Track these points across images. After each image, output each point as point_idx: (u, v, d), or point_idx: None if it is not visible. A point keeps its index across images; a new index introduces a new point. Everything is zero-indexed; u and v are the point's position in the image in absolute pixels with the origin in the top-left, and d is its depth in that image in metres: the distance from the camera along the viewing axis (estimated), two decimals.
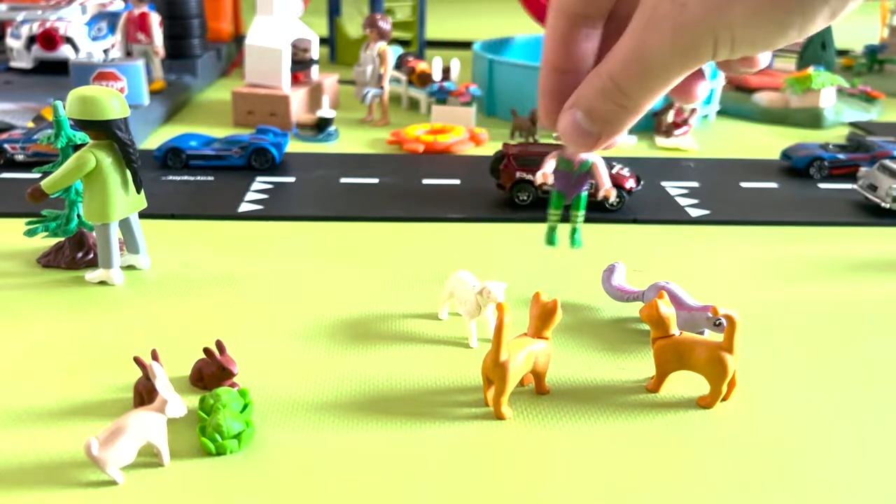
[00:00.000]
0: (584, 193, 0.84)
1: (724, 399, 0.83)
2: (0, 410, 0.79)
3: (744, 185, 1.59)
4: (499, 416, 0.79)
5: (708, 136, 2.01)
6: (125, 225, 1.09)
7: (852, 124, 2.13)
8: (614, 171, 1.38)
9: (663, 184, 1.57)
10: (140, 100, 1.86)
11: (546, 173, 0.85)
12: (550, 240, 0.84)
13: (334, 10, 2.89)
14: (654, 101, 0.31)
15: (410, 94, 2.21)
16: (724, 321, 0.84)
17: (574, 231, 0.85)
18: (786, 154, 1.70)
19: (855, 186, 1.50)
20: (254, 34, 1.96)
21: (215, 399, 0.76)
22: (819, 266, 1.20)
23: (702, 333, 0.90)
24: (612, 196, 1.00)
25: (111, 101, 1.01)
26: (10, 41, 2.25)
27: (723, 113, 2.21)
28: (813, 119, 2.12)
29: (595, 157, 0.83)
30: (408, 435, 0.76)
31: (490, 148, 1.79)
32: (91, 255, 1.12)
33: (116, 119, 1.02)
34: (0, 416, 0.78)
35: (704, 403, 0.82)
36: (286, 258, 1.18)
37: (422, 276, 1.12)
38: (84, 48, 2.18)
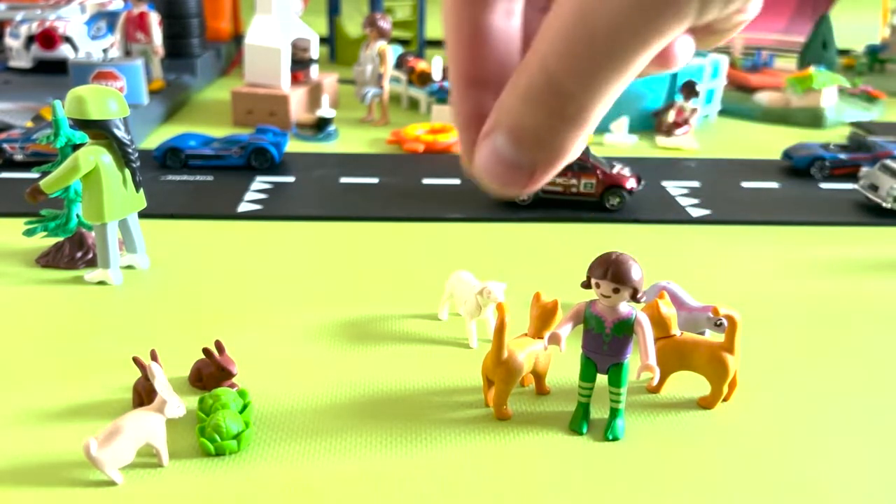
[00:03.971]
0: (626, 363, 0.73)
1: (724, 399, 0.82)
2: None
3: (745, 184, 1.59)
4: (500, 417, 0.78)
5: (709, 135, 2.00)
6: (124, 225, 1.09)
7: (853, 124, 2.13)
8: (615, 170, 1.38)
9: (664, 184, 1.56)
10: (139, 99, 1.86)
11: (559, 336, 0.70)
12: (578, 425, 0.74)
13: (334, 10, 2.88)
14: (610, 101, 0.21)
15: (410, 94, 2.20)
16: (724, 321, 0.83)
17: (613, 416, 0.74)
18: (787, 154, 1.70)
19: (856, 186, 1.49)
20: (253, 33, 1.96)
21: (214, 399, 0.76)
22: (820, 266, 1.20)
23: (703, 334, 0.89)
24: (655, 379, 0.80)
25: (110, 100, 1.01)
26: (9, 40, 2.24)
27: (723, 112, 2.21)
28: (814, 119, 2.12)
29: (639, 314, 0.72)
30: (407, 436, 0.76)
31: None
32: (91, 255, 1.12)
33: (115, 118, 1.01)
34: None
35: (705, 404, 0.82)
36: (286, 258, 1.18)
37: (422, 276, 1.12)
38: (83, 47, 2.18)
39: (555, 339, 0.71)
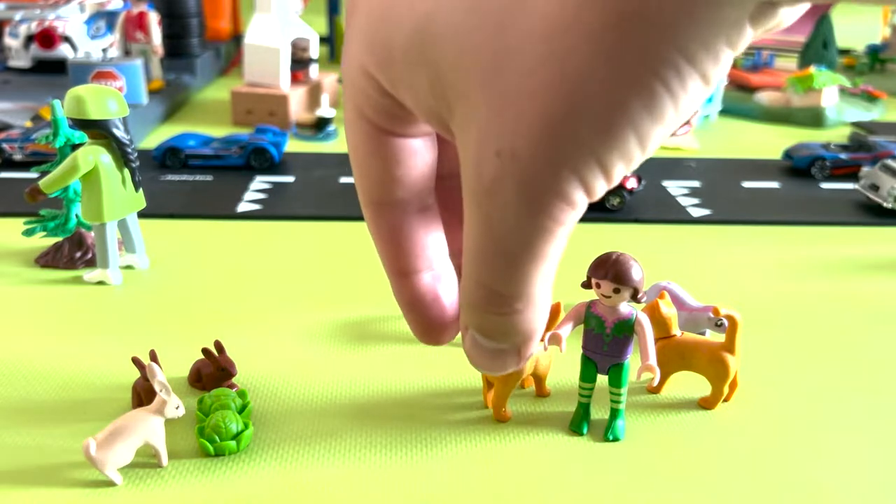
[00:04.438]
0: (626, 364, 0.72)
1: (725, 399, 0.82)
2: None
3: (745, 184, 1.58)
4: (499, 418, 0.78)
5: (709, 135, 2.00)
6: (123, 225, 1.09)
7: (854, 124, 2.13)
8: None
9: (665, 183, 1.56)
10: (138, 99, 1.86)
11: (559, 336, 0.70)
12: (577, 425, 0.74)
13: (334, 9, 2.88)
14: (545, 281, 0.24)
15: None
16: (725, 322, 0.83)
17: (613, 417, 0.74)
18: (787, 154, 1.69)
19: (856, 186, 1.49)
20: (253, 33, 1.96)
21: (214, 400, 0.76)
22: (821, 266, 1.20)
23: (703, 334, 0.89)
24: (656, 380, 0.80)
25: (109, 100, 1.01)
26: (9, 40, 2.24)
27: (724, 112, 2.21)
28: (815, 118, 2.12)
29: (639, 314, 0.72)
30: (407, 436, 0.76)
31: None
32: (90, 255, 1.12)
33: (114, 118, 1.01)
34: None
35: (706, 404, 0.82)
36: (286, 258, 1.18)
37: None
38: (82, 47, 2.18)
39: (555, 340, 0.71)
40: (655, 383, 0.83)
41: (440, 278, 0.28)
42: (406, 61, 0.23)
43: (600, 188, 0.21)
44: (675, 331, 0.82)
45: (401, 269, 0.28)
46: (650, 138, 0.21)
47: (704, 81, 0.20)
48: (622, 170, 0.21)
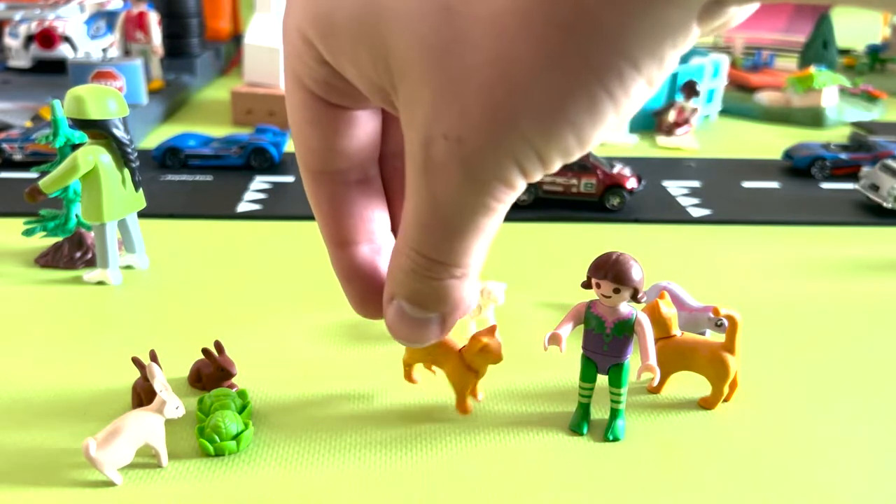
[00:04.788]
0: (626, 364, 0.72)
1: (725, 399, 0.82)
2: None
3: (745, 184, 1.58)
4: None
5: (709, 135, 2.00)
6: (123, 225, 1.09)
7: (854, 124, 2.13)
8: (615, 170, 1.37)
9: (665, 183, 1.56)
10: (138, 99, 1.86)
11: (559, 336, 0.70)
12: (577, 424, 0.74)
13: None
14: (479, 254, 0.24)
15: None
16: (725, 322, 0.83)
17: (614, 417, 0.74)
18: (787, 154, 1.69)
19: (856, 186, 1.49)
20: (253, 33, 1.96)
21: (214, 400, 0.76)
22: (821, 266, 1.20)
23: (703, 334, 0.89)
24: (656, 380, 0.79)
25: (109, 100, 1.01)
26: (8, 40, 2.24)
27: (724, 112, 2.21)
28: (815, 118, 2.12)
29: (639, 314, 0.72)
30: (407, 436, 0.76)
31: None
32: (90, 255, 1.12)
33: (114, 118, 1.01)
34: None
35: (706, 404, 0.82)
36: (286, 258, 1.18)
37: None
38: (82, 47, 2.18)
39: (555, 340, 0.71)
40: (655, 383, 0.83)
41: (379, 251, 0.28)
42: (349, 34, 0.23)
43: (538, 174, 0.22)
44: (676, 331, 0.82)
45: (339, 239, 0.28)
46: (589, 138, 0.21)
47: (648, 84, 0.21)
48: (560, 161, 0.22)
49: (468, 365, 0.76)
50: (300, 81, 0.25)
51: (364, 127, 0.27)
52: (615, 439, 0.74)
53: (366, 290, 0.28)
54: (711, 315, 0.88)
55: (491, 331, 0.75)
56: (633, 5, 0.19)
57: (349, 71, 0.24)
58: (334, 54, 0.24)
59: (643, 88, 0.21)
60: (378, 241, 0.28)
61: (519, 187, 0.22)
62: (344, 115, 0.26)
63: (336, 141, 0.26)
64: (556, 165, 0.22)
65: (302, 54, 0.25)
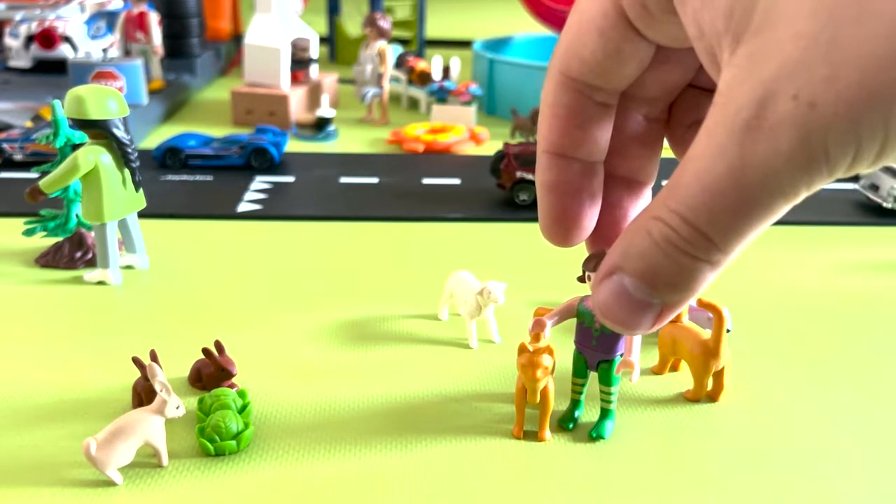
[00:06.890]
0: (616, 360, 0.72)
1: (713, 400, 0.82)
2: None
3: None
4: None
5: None
6: (124, 225, 1.09)
7: None
8: None
9: (664, 183, 1.56)
10: (139, 99, 1.86)
11: (544, 323, 0.69)
12: (566, 420, 0.74)
13: (334, 9, 2.88)
14: (743, 247, 0.22)
15: (410, 94, 2.20)
16: (711, 315, 0.85)
17: (603, 416, 0.74)
18: None
19: (856, 186, 1.49)
20: (253, 33, 1.96)
21: (214, 400, 0.76)
22: (820, 266, 1.20)
23: None
24: (635, 376, 0.73)
25: (109, 100, 1.01)
26: (9, 40, 2.24)
27: None
28: None
29: None
30: (407, 436, 0.76)
31: (490, 147, 1.78)
32: (90, 255, 1.12)
33: (115, 118, 1.01)
34: None
35: (689, 396, 0.82)
36: (286, 258, 1.18)
37: (422, 276, 1.12)
38: (83, 47, 2.18)
39: (539, 326, 0.71)
40: (634, 379, 0.84)
41: (590, 178, 0.27)
42: None
43: (851, 170, 0.20)
44: (685, 316, 0.84)
45: (558, 146, 0.27)
46: None
47: None
48: (882, 161, 0.20)
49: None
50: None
51: (640, 62, 0.26)
52: (598, 437, 0.74)
53: (562, 209, 0.27)
54: (711, 316, 0.88)
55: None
56: None
57: (689, 12, 0.22)
58: None
59: None
60: (593, 168, 0.27)
61: (828, 180, 0.20)
62: (633, 40, 0.25)
63: (607, 59, 0.25)
64: (872, 165, 0.20)
65: None
